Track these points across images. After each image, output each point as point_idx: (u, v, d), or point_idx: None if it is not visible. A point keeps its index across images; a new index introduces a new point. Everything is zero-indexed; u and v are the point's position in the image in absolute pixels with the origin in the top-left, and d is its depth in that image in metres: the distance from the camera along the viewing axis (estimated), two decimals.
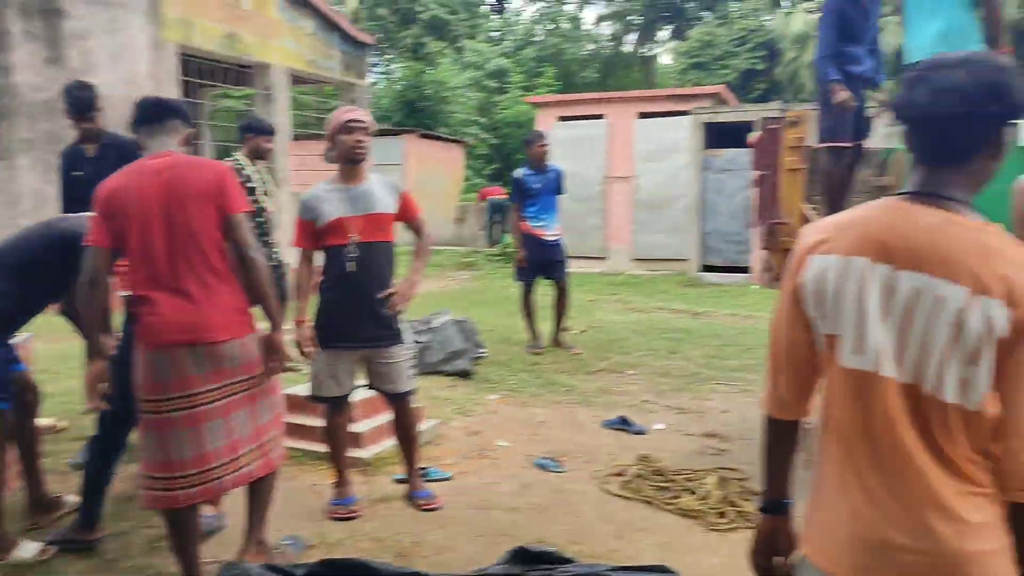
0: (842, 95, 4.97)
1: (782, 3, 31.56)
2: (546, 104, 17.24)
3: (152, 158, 3.14)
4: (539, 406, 6.10)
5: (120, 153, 4.42)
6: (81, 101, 4.78)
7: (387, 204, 4.04)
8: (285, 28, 10.22)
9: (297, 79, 10.99)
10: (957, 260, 1.52)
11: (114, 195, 3.07)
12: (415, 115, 26.17)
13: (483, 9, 36.64)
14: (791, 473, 1.91)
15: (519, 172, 7.74)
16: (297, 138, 11.87)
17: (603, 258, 15.95)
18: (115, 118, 4.78)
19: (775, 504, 1.93)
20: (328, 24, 10.98)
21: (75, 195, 4.55)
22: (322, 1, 11.12)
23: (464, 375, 6.63)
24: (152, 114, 3.23)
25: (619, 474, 4.66)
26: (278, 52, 10.11)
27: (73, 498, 3.90)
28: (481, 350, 7.23)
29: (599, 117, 16.00)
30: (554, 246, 7.67)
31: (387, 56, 29.91)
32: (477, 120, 27.73)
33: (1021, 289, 1.48)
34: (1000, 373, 1.51)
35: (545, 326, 7.97)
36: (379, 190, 4.06)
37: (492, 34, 34.34)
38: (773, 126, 4.19)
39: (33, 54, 8.48)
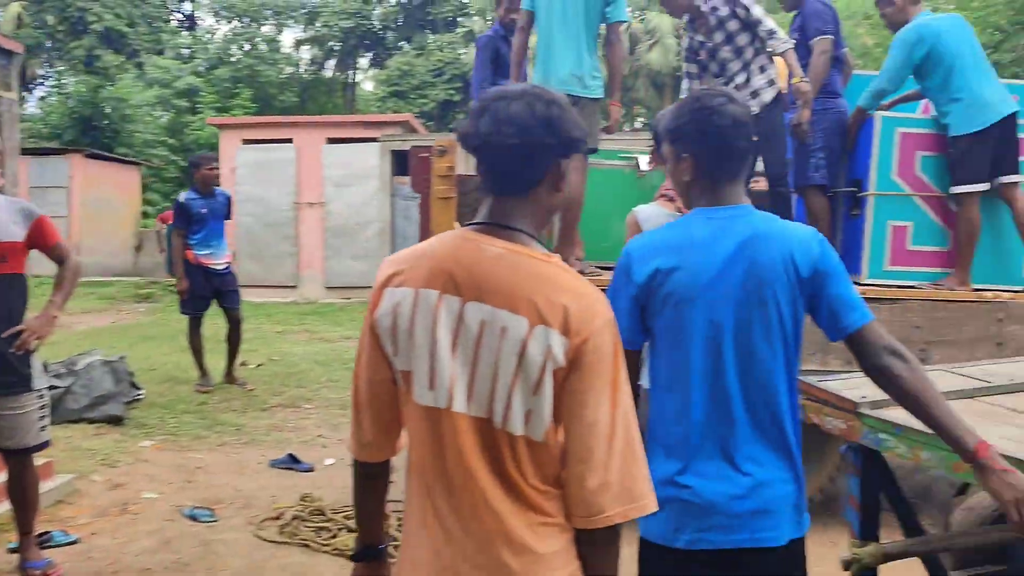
0: None
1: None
2: (230, 126, 16.46)
3: None
4: (200, 450, 5.65)
5: None
6: None
7: (11, 231, 3.52)
8: None
9: None
10: (518, 291, 1.51)
11: None
12: (91, 133, 23.87)
13: (171, 24, 34.49)
14: (384, 517, 1.83)
15: (183, 196, 7.22)
16: None
17: (294, 286, 15.46)
18: None
19: (367, 550, 1.83)
20: None
21: None
22: None
23: (115, 421, 5.96)
24: None
25: (276, 518, 4.40)
26: None
27: None
28: (137, 392, 6.59)
29: (287, 141, 15.55)
30: (224, 275, 7.22)
31: (58, 68, 27.11)
32: (165, 141, 25.93)
33: (576, 319, 1.49)
34: (559, 402, 1.51)
35: (218, 361, 7.45)
36: (2, 215, 3.52)
37: (182, 51, 32.40)
38: (424, 155, 4.19)
39: None
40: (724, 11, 4.51)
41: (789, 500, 1.98)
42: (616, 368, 1.53)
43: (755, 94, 4.57)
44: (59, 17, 21.90)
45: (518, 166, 1.57)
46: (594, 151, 4.61)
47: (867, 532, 2.64)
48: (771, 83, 4.60)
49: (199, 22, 37.95)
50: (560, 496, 1.55)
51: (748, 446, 1.95)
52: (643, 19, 30.06)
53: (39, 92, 31.19)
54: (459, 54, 32.51)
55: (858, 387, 2.97)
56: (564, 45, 4.48)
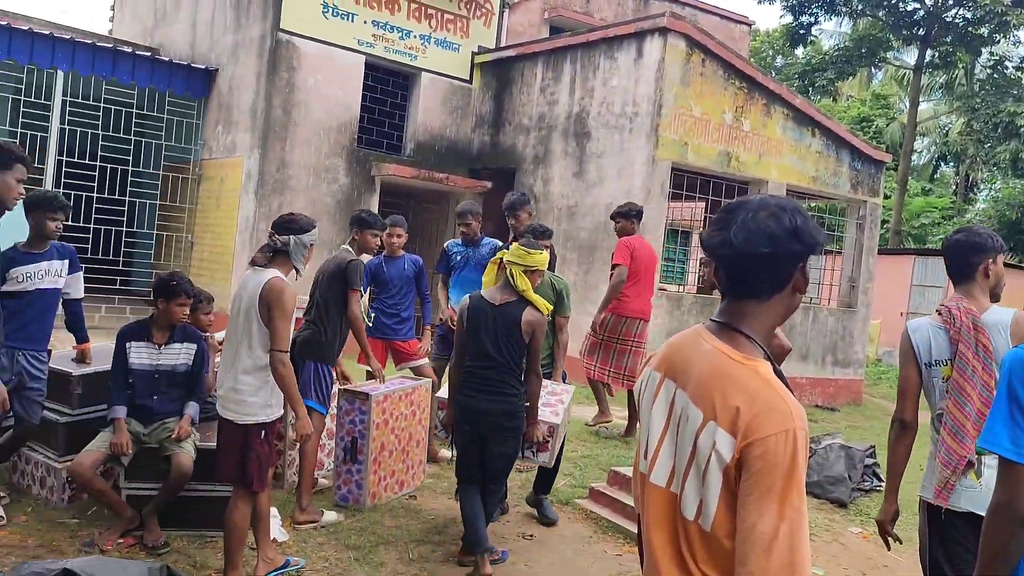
0: None
1: None
2: None
3: None
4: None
5: None
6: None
7: None
8: (786, 146, 10.64)
9: (796, 193, 11.27)
10: (705, 386, 1.66)
11: None
12: (1017, 237, 23.73)
13: None
14: None
15: None
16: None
17: None
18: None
19: None
20: (839, 142, 11.06)
21: None
22: (834, 121, 11.22)
23: (839, 504, 6.24)
24: None
25: None
26: (776, 168, 10.58)
27: None
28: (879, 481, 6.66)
29: None
30: None
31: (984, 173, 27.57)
32: None
33: (744, 421, 1.56)
34: (725, 501, 1.59)
35: None
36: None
37: None
38: None
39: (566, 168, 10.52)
40: None
41: None
42: (788, 481, 1.53)
43: None
44: (987, 124, 22.25)
45: (765, 274, 1.68)
46: None
47: None
48: None
49: None
50: None
51: None
52: None
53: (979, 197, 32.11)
54: None
55: None
56: None
